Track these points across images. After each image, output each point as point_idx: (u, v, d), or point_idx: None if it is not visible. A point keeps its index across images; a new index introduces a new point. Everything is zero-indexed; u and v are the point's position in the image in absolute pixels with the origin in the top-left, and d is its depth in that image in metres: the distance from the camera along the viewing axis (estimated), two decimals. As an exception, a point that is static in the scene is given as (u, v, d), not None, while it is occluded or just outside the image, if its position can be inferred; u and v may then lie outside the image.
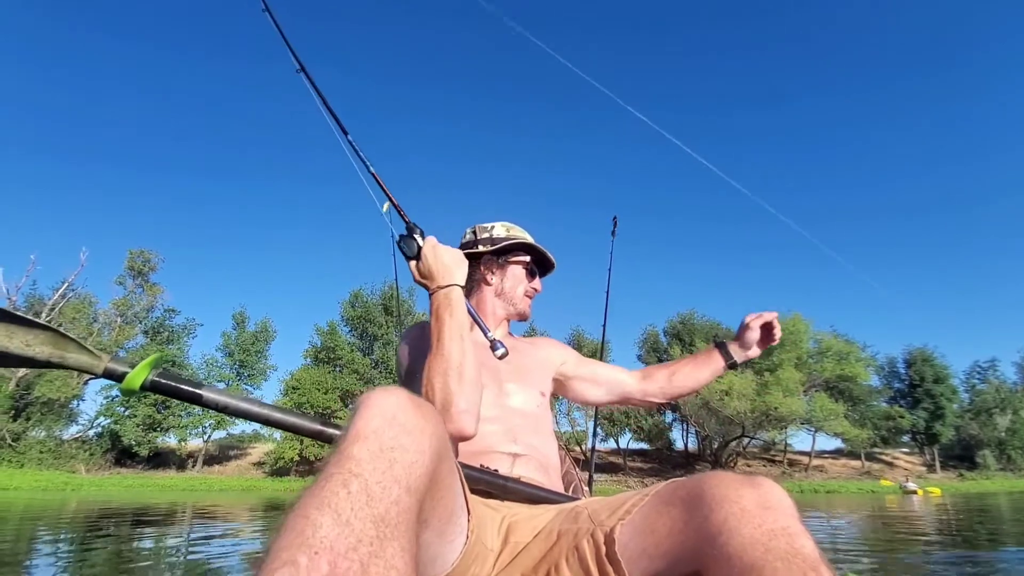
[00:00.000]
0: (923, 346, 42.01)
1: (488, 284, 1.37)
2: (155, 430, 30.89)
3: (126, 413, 30.58)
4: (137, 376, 0.86)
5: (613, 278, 2.26)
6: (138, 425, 30.11)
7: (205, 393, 0.91)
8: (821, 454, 41.48)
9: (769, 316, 1.39)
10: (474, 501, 0.84)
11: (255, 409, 0.94)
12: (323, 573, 0.41)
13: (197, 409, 31.84)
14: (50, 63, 67.43)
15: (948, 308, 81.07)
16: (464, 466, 0.92)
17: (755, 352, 1.43)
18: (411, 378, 1.14)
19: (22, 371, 29.00)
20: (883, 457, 42.08)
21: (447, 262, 1.09)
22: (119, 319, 33.25)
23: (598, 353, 2.30)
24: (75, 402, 31.37)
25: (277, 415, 0.96)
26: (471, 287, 1.36)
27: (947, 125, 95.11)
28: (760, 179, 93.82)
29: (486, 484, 0.98)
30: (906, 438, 42.10)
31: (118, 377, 0.88)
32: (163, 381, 0.88)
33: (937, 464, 39.63)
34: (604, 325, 2.40)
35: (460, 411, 0.94)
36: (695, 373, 1.43)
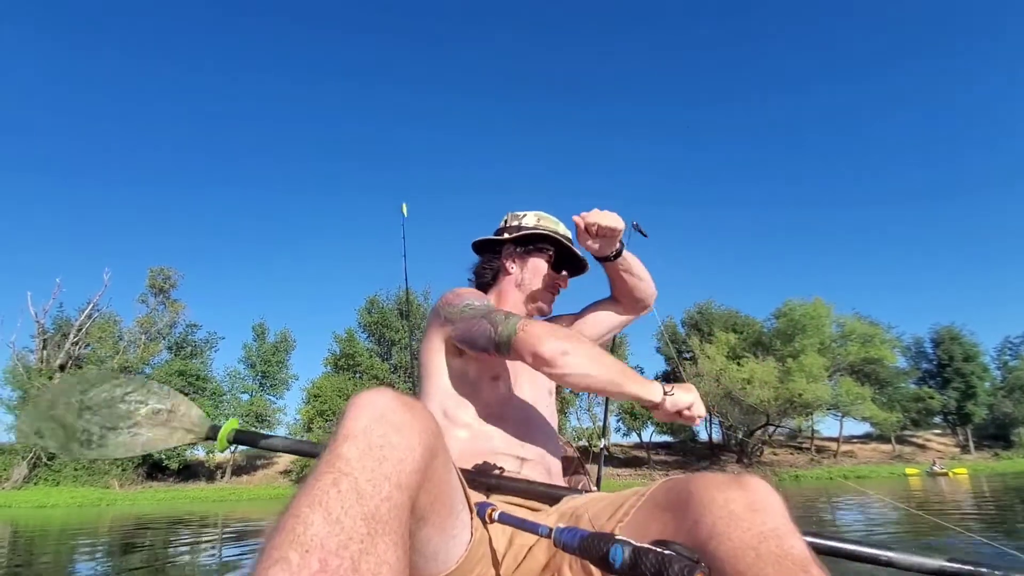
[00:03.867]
0: (950, 324, 41.11)
1: (508, 274, 1.33)
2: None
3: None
4: (223, 438, 1.29)
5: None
6: (167, 439, 30.73)
7: (263, 442, 1.30)
8: (850, 439, 40.72)
9: (577, 219, 1.21)
10: (477, 500, 0.83)
11: (293, 445, 1.30)
12: (314, 570, 0.42)
13: (221, 421, 32.45)
14: (69, 84, 69.12)
15: (975, 284, 79.02)
16: (464, 471, 0.92)
17: (600, 250, 1.24)
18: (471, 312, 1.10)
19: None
20: (914, 440, 41.17)
21: (687, 402, 1.04)
22: (143, 336, 33.96)
23: (609, 344, 2.30)
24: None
25: (312, 449, 1.26)
26: (494, 275, 1.35)
27: (973, 104, 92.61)
28: (785, 161, 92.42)
29: (488, 484, 0.98)
30: (937, 419, 41.15)
31: (213, 437, 1.31)
32: (239, 436, 1.30)
33: (971, 444, 38.66)
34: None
35: (565, 356, 0.97)
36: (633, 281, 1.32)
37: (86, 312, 32.68)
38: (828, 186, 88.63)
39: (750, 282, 78.08)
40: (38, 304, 32.15)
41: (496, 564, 0.85)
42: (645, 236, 2.29)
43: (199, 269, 72.69)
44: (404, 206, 2.38)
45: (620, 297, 1.37)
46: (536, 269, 1.32)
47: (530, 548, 0.87)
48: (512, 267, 1.32)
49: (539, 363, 0.98)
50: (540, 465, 1.12)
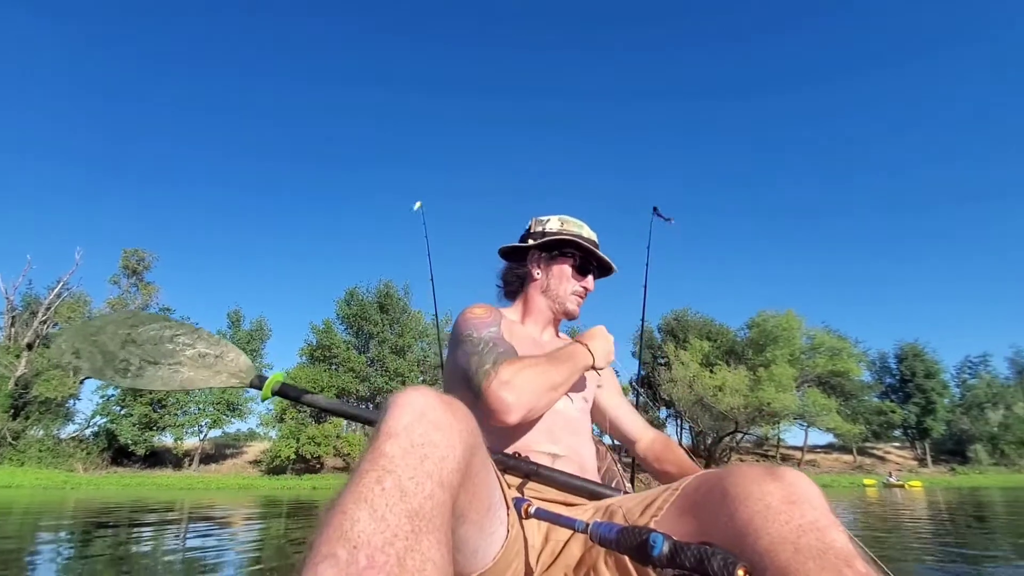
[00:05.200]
0: (914, 341, 42.55)
1: (534, 279, 1.33)
2: (151, 429, 30.92)
3: (122, 412, 30.61)
4: (267, 390, 1.26)
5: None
6: (134, 424, 30.14)
7: (305, 397, 1.27)
8: (814, 449, 41.93)
9: None
10: (513, 496, 0.84)
11: (336, 406, 1.29)
12: (361, 566, 0.43)
13: (193, 408, 32.02)
14: (44, 65, 66.97)
15: (940, 303, 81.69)
16: (503, 455, 0.97)
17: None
18: (473, 346, 1.10)
19: (20, 370, 29.04)
20: (875, 452, 42.52)
21: (606, 349, 1.17)
22: (114, 318, 33.22)
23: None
24: (71, 401, 31.39)
25: (352, 410, 1.27)
26: (520, 281, 1.36)
27: (943, 121, 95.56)
28: (750, 173, 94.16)
29: (523, 471, 1.00)
30: (897, 433, 42.59)
31: (259, 387, 1.29)
32: (282, 389, 1.27)
33: (928, 458, 40.09)
34: (643, 319, 2.39)
35: (525, 404, 0.95)
36: (668, 476, 1.30)
37: (55, 291, 31.87)
38: (804, 196, 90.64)
39: (726, 290, 79.49)
40: (7, 281, 31.31)
41: (533, 559, 0.85)
42: (668, 220, 2.27)
43: (175, 253, 71.11)
44: (418, 203, 2.33)
45: (652, 469, 1.34)
46: (561, 274, 1.31)
47: (566, 543, 0.88)
48: (537, 272, 1.33)
49: (498, 423, 0.97)
50: (573, 462, 1.11)
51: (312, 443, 30.06)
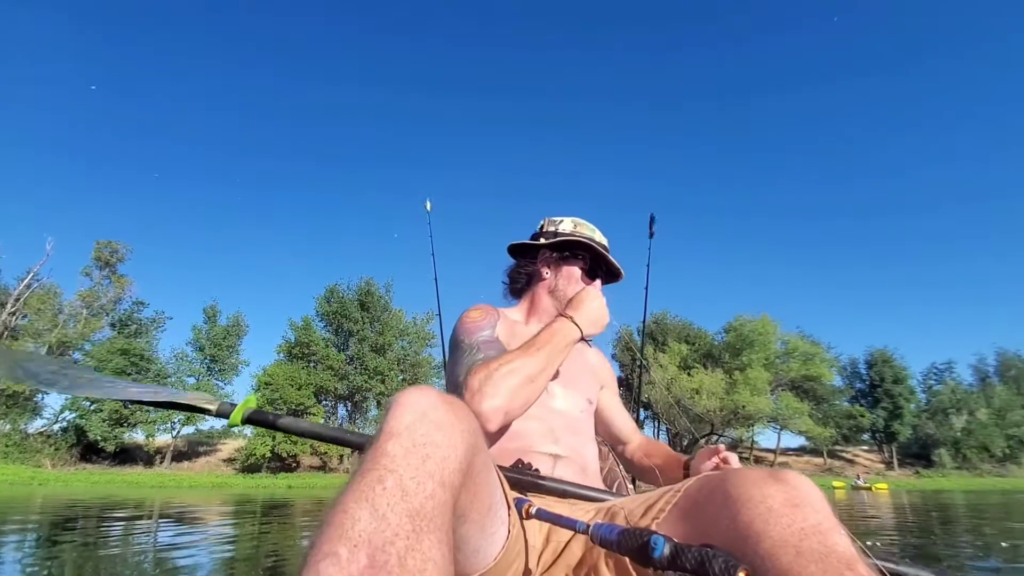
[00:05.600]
0: (884, 348, 43.76)
1: (543, 279, 1.32)
2: (122, 425, 30.22)
3: (92, 408, 29.85)
4: (236, 416, 1.16)
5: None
6: (104, 420, 29.42)
7: (280, 422, 1.18)
8: (786, 451, 42.85)
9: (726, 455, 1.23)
10: (514, 496, 0.84)
11: (320, 431, 1.19)
12: (362, 565, 0.43)
13: (166, 404, 31.31)
14: (14, 51, 64.84)
15: (909, 310, 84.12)
16: (502, 468, 0.92)
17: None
18: (469, 352, 1.10)
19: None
20: (844, 454, 43.63)
21: (597, 314, 1.11)
22: (85, 311, 32.39)
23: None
24: (40, 395, 30.51)
25: (340, 435, 1.16)
26: (528, 280, 1.35)
27: (923, 127, 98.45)
28: (725, 177, 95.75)
29: (524, 484, 0.98)
30: (866, 436, 43.79)
31: (226, 415, 1.17)
32: (253, 416, 1.17)
33: (895, 462, 41.29)
34: (643, 320, 2.38)
35: (498, 408, 0.93)
36: (656, 476, 1.30)
37: (25, 282, 30.92)
38: (783, 200, 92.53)
39: (704, 294, 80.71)
40: (-26, 270, 30.21)
41: (534, 559, 0.85)
42: (650, 235, 2.28)
43: (150, 245, 69.69)
44: (428, 202, 2.28)
45: (636, 471, 1.36)
46: (570, 276, 1.30)
47: (567, 544, 0.87)
48: (547, 272, 1.32)
49: (497, 434, 0.98)
50: (575, 463, 1.10)
51: (288, 441, 29.66)
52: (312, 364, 34.15)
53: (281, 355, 34.73)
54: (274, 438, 29.61)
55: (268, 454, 29.88)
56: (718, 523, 0.64)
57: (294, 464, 31.60)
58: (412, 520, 0.47)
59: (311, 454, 31.63)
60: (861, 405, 42.09)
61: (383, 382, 33.77)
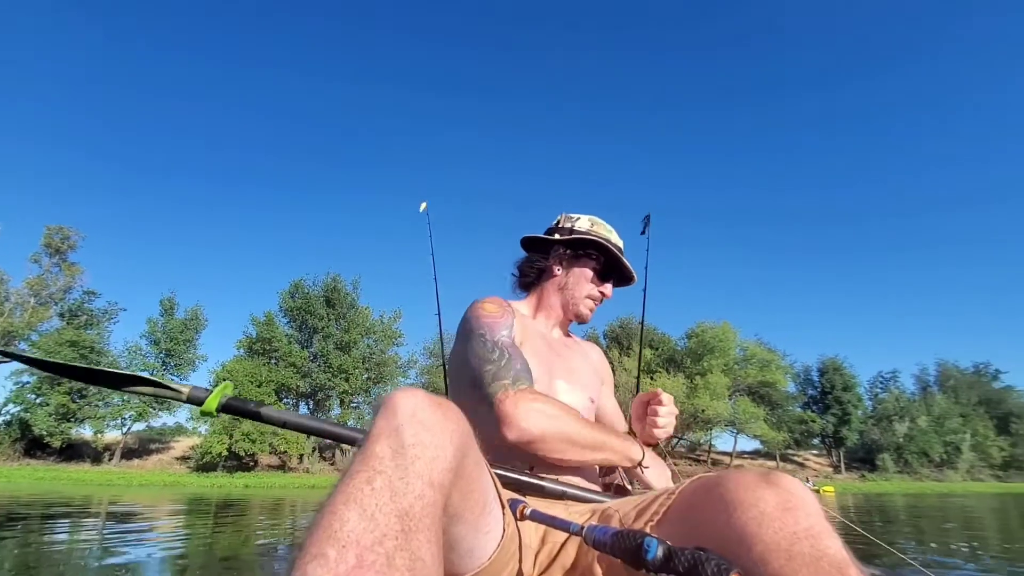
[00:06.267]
0: (835, 356, 45.69)
1: (553, 276, 1.30)
2: (69, 420, 28.89)
3: (38, 401, 28.44)
4: (211, 402, 1.03)
5: None
6: (50, 414, 28.06)
7: (263, 411, 1.06)
8: (741, 454, 44.25)
9: (660, 397, 1.23)
10: (509, 497, 0.84)
11: (306, 422, 1.08)
12: (350, 565, 0.43)
13: (116, 399, 30.09)
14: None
15: (860, 319, 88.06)
16: (496, 466, 0.92)
17: (651, 440, 1.22)
18: (488, 347, 1.08)
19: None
20: (795, 458, 45.36)
21: (660, 467, 1.11)
22: (32, 300, 30.82)
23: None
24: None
25: (327, 427, 1.07)
26: (538, 275, 1.33)
27: (870, 138, 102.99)
28: (687, 184, 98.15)
29: (519, 485, 0.98)
30: (816, 441, 45.62)
31: (199, 402, 1.04)
32: (231, 404, 1.04)
33: (842, 466, 43.15)
34: (642, 323, 2.49)
35: (533, 436, 0.96)
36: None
37: (-35, 267, 29.20)
38: (747, 207, 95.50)
39: (670, 299, 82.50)
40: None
41: (530, 560, 0.85)
42: (642, 232, 2.34)
43: (106, 234, 66.68)
44: (423, 204, 2.28)
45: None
46: (582, 275, 1.28)
47: (562, 545, 0.87)
48: (558, 269, 1.30)
49: (506, 442, 0.98)
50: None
51: (247, 440, 28.91)
52: (274, 361, 33.38)
53: (241, 351, 33.83)
54: (231, 436, 28.80)
55: (225, 452, 29.00)
56: (712, 526, 0.64)
57: (252, 463, 30.81)
58: (401, 520, 0.48)
59: (270, 453, 30.89)
60: (812, 411, 43.82)
61: (347, 380, 33.30)
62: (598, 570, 0.79)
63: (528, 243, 1.37)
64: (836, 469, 43.12)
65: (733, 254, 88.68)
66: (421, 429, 0.56)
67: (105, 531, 5.97)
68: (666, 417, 1.18)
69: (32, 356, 1.08)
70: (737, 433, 39.08)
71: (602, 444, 1.03)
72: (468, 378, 1.09)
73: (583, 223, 1.31)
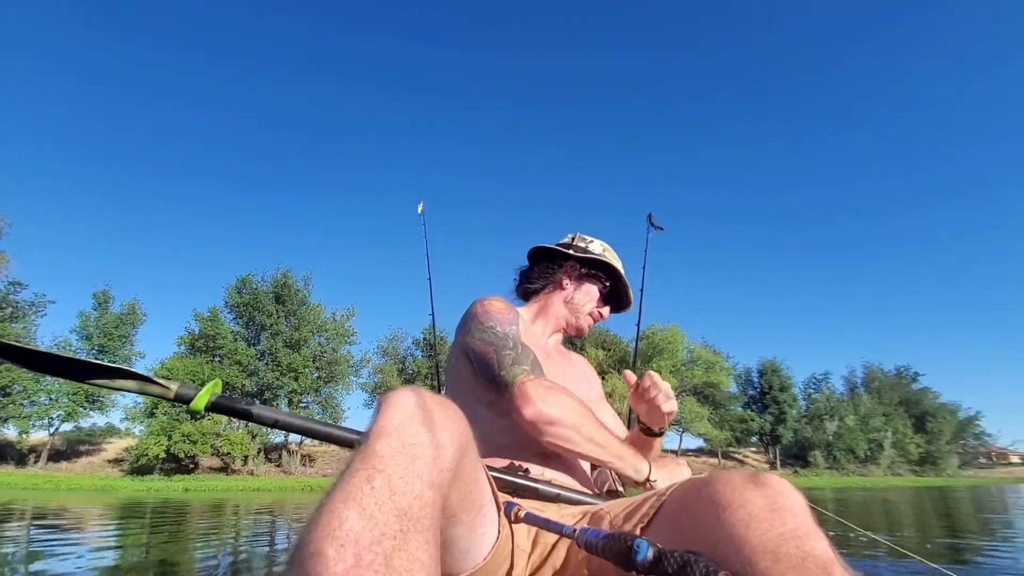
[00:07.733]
0: (773, 358, 48.15)
1: (562, 288, 1.37)
2: (-12, 420, 26.85)
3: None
4: (200, 400, 0.99)
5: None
6: (-34, 415, 26.00)
7: (255, 410, 1.04)
8: (685, 452, 46.02)
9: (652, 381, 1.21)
10: (504, 499, 0.84)
11: (299, 423, 1.05)
12: (348, 564, 0.43)
13: (43, 397, 28.17)
14: None
15: (798, 321, 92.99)
16: (491, 468, 0.93)
17: (662, 422, 1.23)
18: (499, 340, 1.10)
19: None
20: (736, 455, 47.56)
21: (670, 478, 1.09)
22: (-53, 291, 28.46)
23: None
24: None
25: (321, 428, 1.04)
26: (545, 285, 1.39)
27: (816, 141, 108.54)
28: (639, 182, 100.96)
29: (513, 487, 0.99)
30: (755, 439, 47.93)
31: (187, 400, 1.00)
32: (220, 402, 1.01)
33: (778, 462, 45.54)
34: (638, 324, 2.44)
35: (544, 407, 1.00)
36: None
37: None
38: (695, 209, 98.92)
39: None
40: None
41: (522, 562, 0.85)
42: (660, 229, 2.21)
43: (35, 222, 62.09)
44: (420, 205, 2.30)
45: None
46: (589, 294, 1.37)
47: (554, 546, 0.88)
48: (568, 284, 1.37)
49: (524, 423, 1.01)
50: (565, 463, 1.12)
51: (187, 441, 27.65)
52: (218, 359, 32.07)
53: (183, 348, 32.28)
54: (170, 437, 27.48)
55: (163, 454, 27.63)
56: (701, 528, 0.64)
57: (192, 466, 29.52)
58: (400, 520, 0.48)
59: (212, 455, 29.69)
60: (752, 410, 46.00)
61: (296, 379, 32.41)
62: (588, 572, 0.82)
63: (538, 254, 1.44)
64: (772, 465, 45.44)
65: (681, 256, 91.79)
66: (422, 428, 0.56)
67: (31, 539, 5.68)
68: (666, 390, 1.19)
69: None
70: (683, 432, 40.59)
71: (610, 446, 1.06)
72: (469, 372, 1.13)
73: (596, 246, 1.41)
